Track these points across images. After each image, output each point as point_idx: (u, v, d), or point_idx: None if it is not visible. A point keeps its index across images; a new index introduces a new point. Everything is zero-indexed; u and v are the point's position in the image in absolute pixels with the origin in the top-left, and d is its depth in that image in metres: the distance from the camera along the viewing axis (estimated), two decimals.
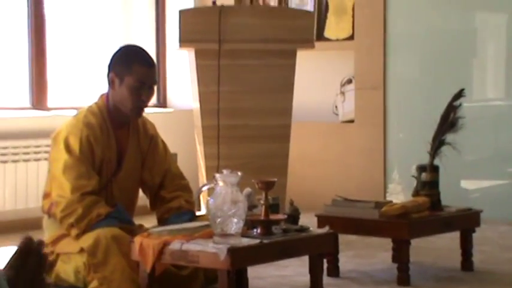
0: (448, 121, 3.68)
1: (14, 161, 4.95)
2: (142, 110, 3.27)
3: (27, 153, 5.00)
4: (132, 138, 3.34)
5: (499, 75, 5.60)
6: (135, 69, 3.20)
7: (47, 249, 3.22)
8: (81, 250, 3.04)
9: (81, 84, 5.66)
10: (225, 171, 2.87)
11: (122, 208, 3.21)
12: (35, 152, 5.02)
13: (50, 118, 5.13)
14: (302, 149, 5.69)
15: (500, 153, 5.44)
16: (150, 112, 3.39)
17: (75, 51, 5.66)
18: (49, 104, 5.36)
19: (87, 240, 3.03)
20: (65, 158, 3.13)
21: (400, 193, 5.56)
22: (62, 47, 5.54)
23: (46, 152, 4.95)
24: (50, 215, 3.25)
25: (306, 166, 5.78)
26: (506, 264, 3.85)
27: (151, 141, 3.41)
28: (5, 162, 4.92)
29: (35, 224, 4.42)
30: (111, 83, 3.26)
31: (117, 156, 3.29)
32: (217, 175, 2.87)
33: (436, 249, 4.17)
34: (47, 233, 3.29)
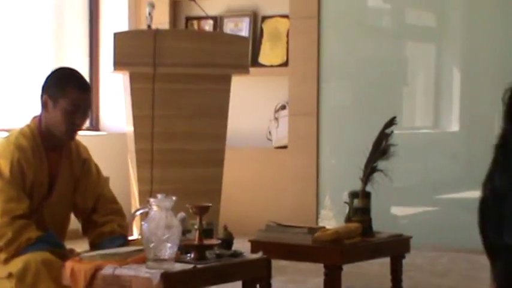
0: (380, 148, 3.74)
1: None
2: (75, 133, 3.24)
3: None
4: (64, 161, 3.30)
5: (428, 104, 5.74)
6: (70, 93, 3.16)
7: None
8: (10, 275, 2.97)
9: (12, 106, 5.56)
10: (159, 196, 2.86)
11: (52, 232, 3.15)
12: None
13: None
14: (236, 174, 5.70)
15: (428, 181, 5.56)
16: (82, 135, 3.36)
17: (6, 73, 5.56)
18: None
19: (17, 264, 2.96)
20: None
21: (331, 219, 5.62)
22: None
23: None
24: None
25: (239, 191, 5.79)
26: None
27: (84, 165, 3.37)
28: None
29: None
30: (44, 105, 3.21)
31: (48, 179, 3.24)
32: (152, 199, 2.85)
33: (367, 275, 4.22)
34: None
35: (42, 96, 3.22)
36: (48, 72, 3.29)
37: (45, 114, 3.22)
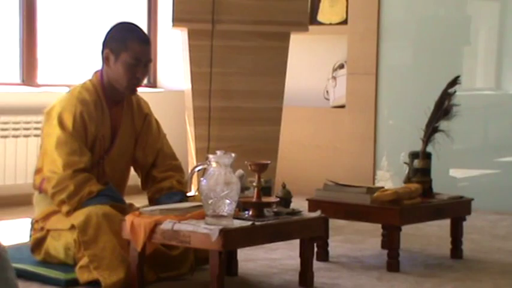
0: (442, 108, 3.67)
1: (3, 137, 4.91)
2: (137, 87, 3.25)
3: (17, 129, 4.95)
4: (126, 115, 3.32)
5: (490, 65, 5.60)
6: (131, 46, 3.17)
7: (37, 225, 3.21)
8: (72, 227, 3.02)
9: (72, 61, 5.61)
10: (218, 152, 2.84)
11: (113, 186, 3.18)
12: (25, 128, 4.98)
13: (39, 94, 5.08)
14: (292, 133, 5.68)
15: (489, 143, 5.46)
16: (140, 92, 3.36)
17: (66, 28, 5.61)
18: (39, 81, 5.32)
19: (78, 217, 3.00)
20: (58, 134, 3.10)
21: (388, 180, 5.56)
22: (53, 23, 5.48)
23: (36, 128, 4.91)
24: (41, 190, 3.23)
25: (295, 150, 5.77)
26: (495, 253, 3.86)
27: (145, 120, 3.38)
28: None
29: (24, 200, 4.41)
30: (105, 59, 3.23)
31: (110, 133, 3.27)
32: (211, 156, 2.84)
33: (425, 237, 4.18)
34: (37, 209, 3.26)
35: (103, 50, 3.23)
36: (109, 27, 3.30)
37: (106, 69, 3.23)
